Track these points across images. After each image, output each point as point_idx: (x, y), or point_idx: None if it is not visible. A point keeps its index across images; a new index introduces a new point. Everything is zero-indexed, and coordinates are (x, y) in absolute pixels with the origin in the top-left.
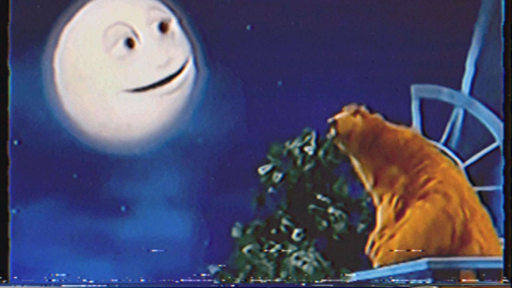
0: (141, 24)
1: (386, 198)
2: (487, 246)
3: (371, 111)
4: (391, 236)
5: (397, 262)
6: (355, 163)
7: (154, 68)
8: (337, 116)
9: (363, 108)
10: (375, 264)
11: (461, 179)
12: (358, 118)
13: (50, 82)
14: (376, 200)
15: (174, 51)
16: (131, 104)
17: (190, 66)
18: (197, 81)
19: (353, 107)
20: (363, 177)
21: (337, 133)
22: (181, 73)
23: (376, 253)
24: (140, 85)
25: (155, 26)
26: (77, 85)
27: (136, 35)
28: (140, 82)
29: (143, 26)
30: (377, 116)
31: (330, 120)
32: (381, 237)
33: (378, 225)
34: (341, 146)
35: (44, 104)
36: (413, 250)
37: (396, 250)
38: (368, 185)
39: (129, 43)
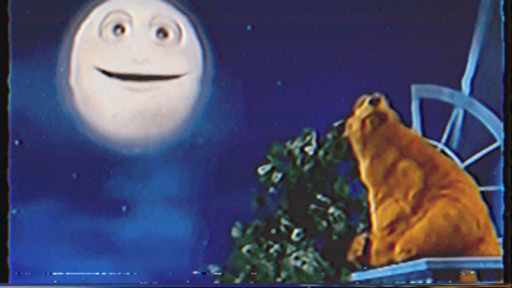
0: (141, 22)
1: (397, 193)
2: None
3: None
4: (408, 229)
5: (421, 253)
6: (363, 162)
7: (129, 60)
8: (378, 96)
9: (380, 101)
10: (395, 259)
11: (468, 180)
12: (374, 109)
13: (64, 80)
14: (378, 197)
15: (167, 58)
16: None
17: (187, 78)
18: (199, 82)
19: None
20: (369, 177)
21: (377, 113)
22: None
23: (388, 250)
24: (108, 69)
25: (153, 30)
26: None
27: (131, 24)
28: (110, 67)
29: (141, 24)
30: (390, 110)
31: (371, 97)
32: (390, 232)
33: (381, 222)
34: (355, 140)
35: (44, 104)
36: (442, 237)
37: (422, 239)
38: (374, 183)
39: (120, 28)
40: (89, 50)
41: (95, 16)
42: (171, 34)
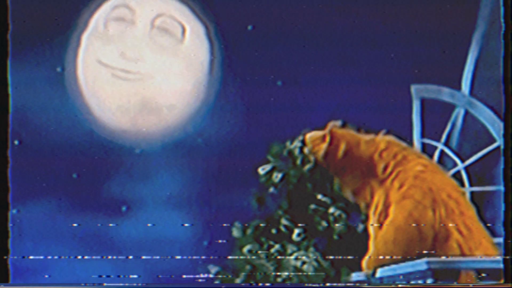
0: (144, 20)
1: (370, 213)
2: (466, 245)
3: (344, 125)
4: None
5: (374, 270)
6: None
7: (118, 53)
8: (307, 135)
9: (335, 127)
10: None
11: (437, 179)
12: (327, 139)
13: (72, 78)
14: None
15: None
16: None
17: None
18: (199, 82)
19: (322, 131)
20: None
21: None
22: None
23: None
24: (104, 60)
25: (156, 31)
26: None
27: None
28: (106, 58)
29: (146, 23)
30: (347, 133)
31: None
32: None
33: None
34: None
35: (44, 104)
36: (387, 257)
37: (371, 257)
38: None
39: (125, 20)
40: (93, 45)
41: (102, 10)
42: (173, 33)
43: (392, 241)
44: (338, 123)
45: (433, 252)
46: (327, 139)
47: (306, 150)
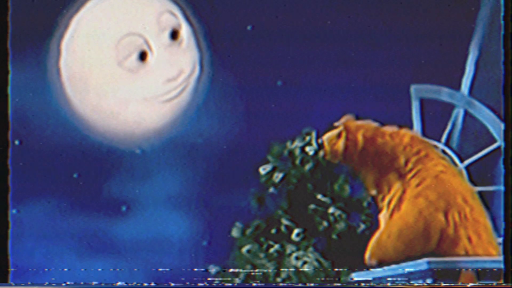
0: (153, 33)
1: (385, 205)
2: (474, 253)
3: (362, 117)
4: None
5: (379, 264)
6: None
7: (164, 81)
8: (324, 137)
9: (348, 120)
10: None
11: (456, 183)
12: (343, 135)
13: (56, 82)
14: (380, 207)
15: (184, 61)
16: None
17: (196, 72)
18: (199, 82)
19: (338, 127)
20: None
21: (325, 154)
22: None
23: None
24: (147, 96)
25: (166, 34)
26: (85, 86)
27: (149, 47)
28: (149, 93)
29: (155, 35)
30: (363, 124)
31: (319, 140)
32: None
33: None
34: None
35: (44, 104)
36: (392, 252)
37: (373, 246)
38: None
39: (142, 56)
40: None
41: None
42: (176, 36)
43: (396, 235)
44: (351, 116)
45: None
46: (343, 134)
47: (324, 153)
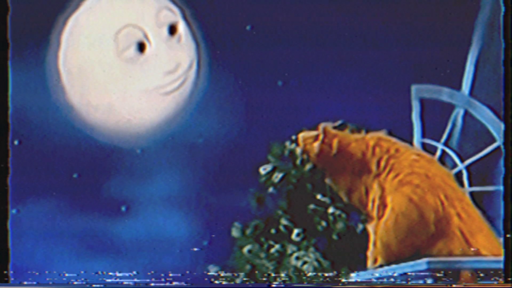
0: (152, 27)
1: (368, 210)
2: (467, 230)
3: (344, 125)
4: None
5: (387, 263)
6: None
7: (162, 73)
8: (300, 135)
9: (327, 126)
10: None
11: (432, 168)
12: (320, 138)
13: (56, 82)
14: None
15: (182, 55)
16: (132, 103)
17: (193, 68)
18: (198, 81)
19: (315, 131)
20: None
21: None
22: (186, 76)
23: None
24: (147, 88)
25: (165, 29)
26: (83, 82)
27: (148, 39)
28: (148, 86)
29: (154, 29)
30: (340, 132)
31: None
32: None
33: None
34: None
35: (44, 104)
36: (396, 247)
37: (375, 248)
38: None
39: (141, 47)
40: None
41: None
42: (174, 32)
43: (394, 228)
44: (330, 124)
45: (435, 237)
46: (320, 137)
47: (298, 149)
